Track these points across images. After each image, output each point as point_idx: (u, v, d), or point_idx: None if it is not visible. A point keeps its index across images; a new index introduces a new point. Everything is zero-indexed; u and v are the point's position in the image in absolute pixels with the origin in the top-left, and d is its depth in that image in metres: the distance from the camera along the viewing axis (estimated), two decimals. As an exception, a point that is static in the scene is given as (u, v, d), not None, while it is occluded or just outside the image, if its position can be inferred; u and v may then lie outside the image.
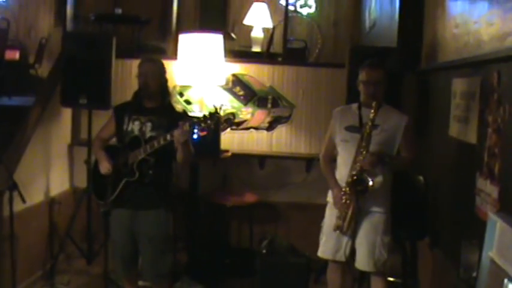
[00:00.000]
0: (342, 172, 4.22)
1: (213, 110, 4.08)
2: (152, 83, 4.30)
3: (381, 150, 4.09)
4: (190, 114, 5.40)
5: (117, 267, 4.53)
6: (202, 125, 4.01)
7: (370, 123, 4.01)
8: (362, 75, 4.18)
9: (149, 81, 4.29)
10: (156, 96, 4.35)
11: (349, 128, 4.21)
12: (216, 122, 4.06)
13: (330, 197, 4.33)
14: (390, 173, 4.20)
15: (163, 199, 4.40)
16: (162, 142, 4.12)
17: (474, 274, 3.00)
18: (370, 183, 3.97)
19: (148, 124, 4.30)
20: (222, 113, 4.84)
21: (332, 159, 4.39)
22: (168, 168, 4.43)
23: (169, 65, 5.80)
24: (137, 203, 4.30)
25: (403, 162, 4.24)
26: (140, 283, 4.84)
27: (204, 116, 4.04)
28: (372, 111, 4.01)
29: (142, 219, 4.31)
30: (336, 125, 4.33)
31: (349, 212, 4.08)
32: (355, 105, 4.28)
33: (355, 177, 4.03)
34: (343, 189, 4.10)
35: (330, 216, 4.28)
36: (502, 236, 2.15)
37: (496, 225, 2.20)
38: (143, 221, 4.31)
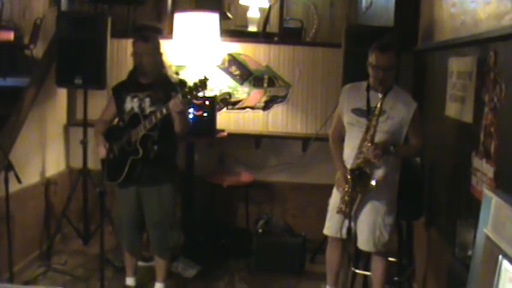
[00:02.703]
0: (348, 154, 4.17)
1: (202, 78, 4.09)
2: (147, 61, 4.32)
3: (387, 138, 3.99)
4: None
5: (123, 243, 4.67)
6: (194, 93, 4.05)
7: (376, 115, 3.91)
8: (371, 58, 3.99)
9: (144, 60, 4.31)
10: (152, 72, 4.37)
11: (356, 111, 4.11)
12: (205, 88, 4.08)
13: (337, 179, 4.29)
14: (397, 161, 4.13)
15: (169, 174, 4.51)
16: (159, 116, 4.15)
17: (469, 253, 3.01)
18: (373, 182, 3.94)
19: (147, 100, 4.33)
20: (209, 86, 4.74)
21: (341, 138, 4.30)
22: (172, 142, 4.50)
23: (165, 45, 5.81)
24: (144, 179, 4.38)
25: (410, 150, 4.18)
26: (140, 264, 4.89)
27: (195, 84, 4.05)
28: (379, 105, 3.90)
29: (149, 195, 4.42)
30: (343, 104, 4.23)
31: (350, 199, 4.05)
32: (364, 85, 4.13)
33: (357, 172, 3.97)
34: (347, 177, 4.03)
35: (336, 196, 4.26)
36: (497, 213, 2.15)
37: (491, 202, 2.19)
38: (151, 197, 4.42)
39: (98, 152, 4.48)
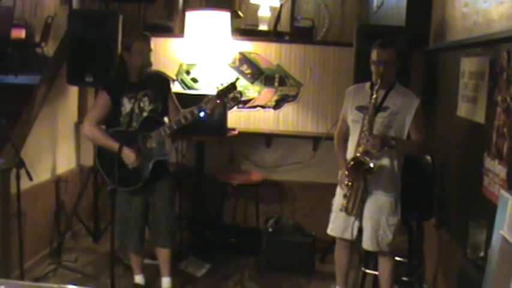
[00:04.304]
0: (350, 152, 4.19)
1: (231, 82, 4.28)
2: (150, 60, 4.36)
3: (388, 132, 4.04)
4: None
5: (131, 245, 4.65)
6: (231, 95, 4.28)
7: (371, 106, 3.98)
8: (373, 55, 4.09)
9: (150, 59, 4.35)
10: (148, 71, 4.39)
11: (360, 108, 4.16)
12: (235, 89, 4.29)
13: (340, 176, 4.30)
14: (399, 156, 4.15)
15: (168, 167, 4.62)
16: (190, 118, 4.24)
17: (481, 254, 3.00)
18: (371, 164, 3.94)
19: (145, 99, 4.35)
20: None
21: (345, 139, 4.34)
22: None
23: (176, 43, 5.82)
24: (153, 175, 4.41)
25: (412, 146, 4.17)
26: (148, 261, 4.89)
27: (226, 88, 4.27)
28: (375, 95, 3.98)
29: (156, 190, 4.48)
30: (348, 104, 4.28)
31: (353, 194, 4.08)
32: (368, 85, 4.21)
33: (352, 162, 4.00)
34: (346, 171, 4.07)
35: (339, 195, 4.26)
36: (513, 214, 2.14)
37: (507, 203, 2.19)
38: (159, 192, 4.49)
39: (129, 160, 4.26)
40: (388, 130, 4.06)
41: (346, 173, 4.03)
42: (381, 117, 4.04)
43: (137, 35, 4.45)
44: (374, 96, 3.98)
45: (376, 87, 3.99)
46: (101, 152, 4.45)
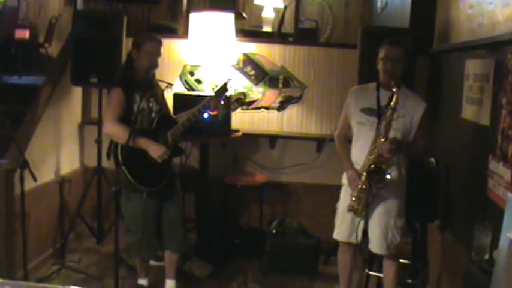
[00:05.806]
0: (356, 155, 4.17)
1: (224, 83, 4.40)
2: (157, 62, 4.38)
3: (398, 136, 4.01)
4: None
5: (146, 255, 4.64)
6: (227, 94, 4.51)
7: (391, 110, 3.91)
8: (381, 52, 4.07)
9: (157, 61, 4.37)
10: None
11: (366, 110, 4.13)
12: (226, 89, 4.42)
13: (344, 179, 4.26)
14: (405, 160, 4.15)
15: (174, 169, 4.61)
16: (198, 114, 4.33)
17: (486, 256, 2.99)
18: (388, 176, 3.93)
19: (152, 99, 4.38)
20: (232, 91, 5.08)
21: (347, 140, 4.33)
22: None
23: (180, 44, 5.82)
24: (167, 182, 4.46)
25: (418, 150, 4.18)
26: (152, 263, 4.88)
27: (221, 88, 4.39)
28: (394, 98, 3.90)
29: (171, 193, 4.49)
30: (351, 105, 4.24)
31: (364, 197, 4.05)
32: (372, 86, 4.18)
33: (373, 166, 3.97)
34: (361, 175, 4.04)
35: (345, 198, 4.25)
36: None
37: (515, 206, 2.18)
38: (172, 195, 4.51)
39: (158, 152, 4.22)
40: (397, 132, 4.03)
41: (365, 174, 4.01)
42: (393, 116, 3.98)
43: (150, 36, 4.52)
44: (394, 98, 3.90)
45: (394, 90, 3.91)
46: (126, 156, 4.17)
